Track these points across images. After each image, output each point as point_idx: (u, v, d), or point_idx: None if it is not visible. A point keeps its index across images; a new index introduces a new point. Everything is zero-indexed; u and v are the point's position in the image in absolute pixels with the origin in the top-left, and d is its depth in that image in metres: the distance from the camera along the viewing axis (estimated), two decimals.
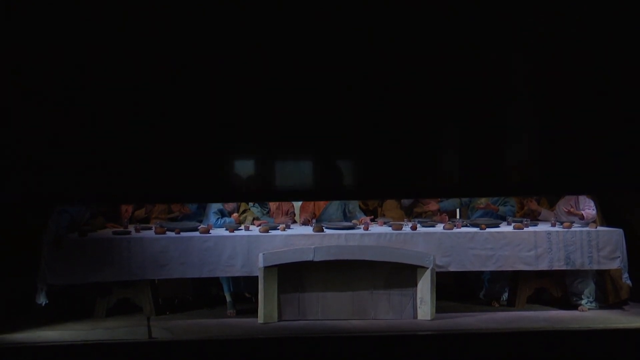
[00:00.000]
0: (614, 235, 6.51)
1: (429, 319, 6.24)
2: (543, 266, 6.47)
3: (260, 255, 6.10)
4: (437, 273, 6.27)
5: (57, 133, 4.77)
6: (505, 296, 6.90)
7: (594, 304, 6.64)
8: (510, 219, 6.93)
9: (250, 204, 6.87)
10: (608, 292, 6.78)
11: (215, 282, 6.63)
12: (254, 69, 4.79)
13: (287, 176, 5.27)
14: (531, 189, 5.73)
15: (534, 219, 7.03)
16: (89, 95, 4.72)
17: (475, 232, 6.43)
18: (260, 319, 6.11)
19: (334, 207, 6.90)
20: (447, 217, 6.97)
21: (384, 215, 7.08)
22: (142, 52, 4.74)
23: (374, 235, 6.31)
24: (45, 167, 4.82)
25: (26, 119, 4.72)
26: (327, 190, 5.39)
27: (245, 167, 5.31)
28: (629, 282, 6.53)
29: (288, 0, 4.75)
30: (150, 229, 6.40)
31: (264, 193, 5.47)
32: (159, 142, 4.88)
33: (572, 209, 6.79)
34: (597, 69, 5.14)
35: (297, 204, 7.15)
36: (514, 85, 5.27)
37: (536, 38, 4.99)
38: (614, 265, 6.51)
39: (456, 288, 7.17)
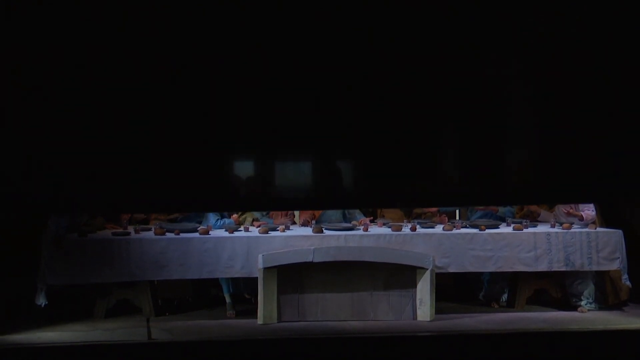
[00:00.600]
0: (614, 237, 6.52)
1: (429, 320, 6.24)
2: (542, 267, 6.47)
3: (260, 256, 6.10)
4: (437, 274, 6.28)
5: (53, 136, 4.75)
6: (504, 297, 6.90)
7: (593, 305, 6.65)
8: (509, 220, 6.93)
9: None
10: (608, 293, 6.78)
11: (214, 283, 6.63)
12: (254, 69, 4.79)
13: (289, 185, 5.25)
14: (534, 197, 5.70)
15: (534, 220, 7.03)
16: (86, 98, 4.71)
17: (475, 233, 6.44)
18: (260, 320, 6.11)
19: None
20: (446, 218, 6.97)
21: (383, 216, 7.08)
22: (143, 53, 4.74)
23: (373, 237, 6.31)
24: (42, 173, 4.79)
25: (25, 122, 4.71)
26: (328, 199, 5.37)
27: (245, 174, 5.29)
28: (628, 283, 6.53)
29: (288, 0, 4.75)
30: (149, 230, 6.40)
31: (265, 202, 5.44)
32: (158, 147, 4.86)
33: (571, 210, 6.80)
34: (598, 71, 5.13)
35: None
36: (515, 88, 5.26)
37: (536, 38, 4.99)
38: (614, 266, 6.51)
39: (456, 289, 7.17)
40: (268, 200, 5.32)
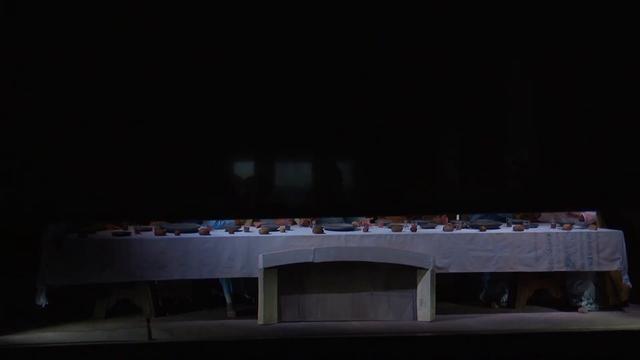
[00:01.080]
0: (614, 237, 6.51)
1: (429, 320, 6.24)
2: (543, 268, 6.47)
3: (260, 256, 6.10)
4: (437, 274, 6.27)
5: (49, 140, 4.73)
6: (505, 298, 6.90)
7: (593, 306, 6.64)
8: (510, 220, 6.93)
9: None
10: (608, 294, 6.77)
11: (215, 283, 6.63)
12: (254, 69, 4.79)
13: (289, 193, 5.23)
14: (537, 204, 5.66)
15: (534, 220, 7.02)
16: (84, 99, 4.69)
17: (475, 234, 6.43)
18: (260, 320, 6.11)
19: None
20: (446, 218, 6.97)
21: (383, 217, 7.08)
22: (142, 53, 4.73)
23: (373, 237, 6.31)
24: (39, 179, 4.77)
25: (21, 126, 4.69)
26: (329, 207, 5.35)
27: (246, 180, 5.26)
28: (629, 283, 6.52)
29: (288, 0, 4.75)
30: (150, 230, 6.39)
31: (266, 210, 5.42)
32: (158, 150, 4.84)
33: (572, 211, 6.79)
34: (601, 74, 5.11)
35: None
36: (515, 90, 5.25)
37: (536, 38, 4.98)
38: (614, 266, 6.50)
39: (456, 290, 7.17)
40: (269, 208, 5.30)
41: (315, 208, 5.44)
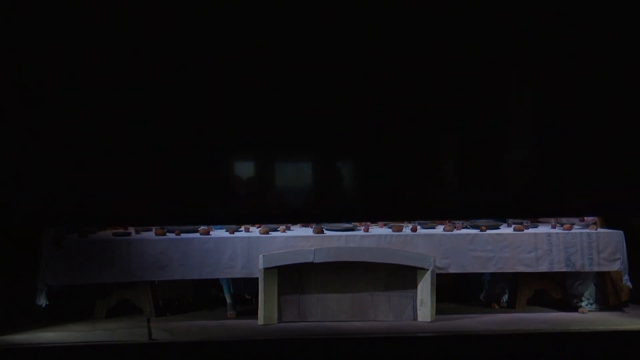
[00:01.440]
0: (615, 237, 6.51)
1: (429, 320, 6.24)
2: (543, 268, 6.47)
3: (261, 256, 6.10)
4: (437, 275, 6.27)
5: (43, 142, 4.72)
6: (505, 298, 6.90)
7: (594, 306, 6.64)
8: (510, 220, 6.93)
9: None
10: (608, 294, 6.77)
11: (215, 283, 6.63)
12: (254, 69, 4.78)
13: (290, 202, 5.22)
14: (539, 210, 5.64)
15: (534, 220, 7.02)
16: (82, 101, 4.69)
17: (476, 234, 6.43)
18: (260, 320, 6.11)
19: None
20: None
21: None
22: (142, 53, 4.72)
23: (374, 237, 6.31)
24: (34, 185, 4.75)
25: (17, 130, 4.68)
26: (330, 213, 5.34)
27: (246, 184, 5.25)
28: (629, 284, 6.52)
29: (288, 0, 4.75)
30: (150, 230, 6.40)
31: (266, 217, 5.41)
32: (157, 152, 4.83)
33: None
34: (601, 74, 5.10)
35: None
36: (517, 91, 5.24)
37: (536, 38, 4.97)
38: (615, 267, 6.50)
39: (456, 290, 7.16)
40: (270, 214, 5.28)
41: (316, 212, 5.43)
